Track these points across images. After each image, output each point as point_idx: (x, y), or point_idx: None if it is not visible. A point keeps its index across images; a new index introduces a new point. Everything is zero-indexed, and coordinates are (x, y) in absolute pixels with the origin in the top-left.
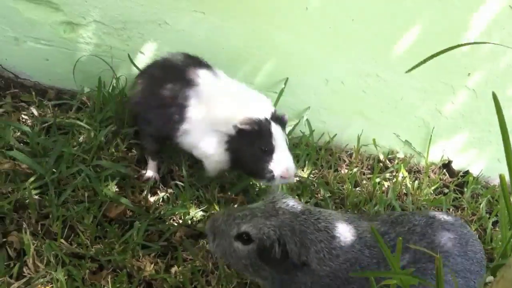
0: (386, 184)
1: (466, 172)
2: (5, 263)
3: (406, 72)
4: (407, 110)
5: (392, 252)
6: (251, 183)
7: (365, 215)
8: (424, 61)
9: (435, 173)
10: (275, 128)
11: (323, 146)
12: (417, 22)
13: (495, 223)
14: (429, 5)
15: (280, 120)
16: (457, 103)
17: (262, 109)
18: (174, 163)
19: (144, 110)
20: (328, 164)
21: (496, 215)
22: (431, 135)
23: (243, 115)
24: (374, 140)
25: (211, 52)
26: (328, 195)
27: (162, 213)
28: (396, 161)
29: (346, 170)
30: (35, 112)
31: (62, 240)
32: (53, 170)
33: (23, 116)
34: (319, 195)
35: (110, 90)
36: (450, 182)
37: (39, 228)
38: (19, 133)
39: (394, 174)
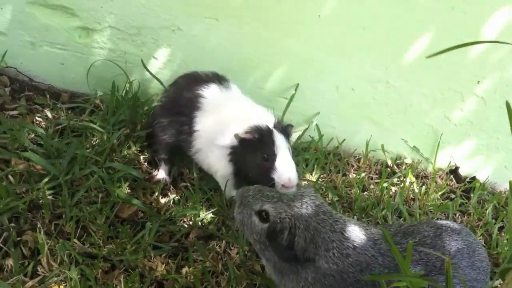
0: (393, 189)
1: (473, 178)
2: (20, 262)
3: (427, 57)
4: (416, 117)
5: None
6: None
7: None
8: (448, 49)
9: (442, 179)
10: (277, 137)
11: (332, 151)
12: (428, 30)
13: (500, 229)
14: (440, 13)
15: (284, 129)
16: (465, 110)
17: (264, 121)
18: (184, 166)
19: (161, 115)
20: (337, 168)
21: (502, 221)
22: (439, 142)
23: (245, 126)
24: (382, 145)
25: (223, 58)
26: (336, 199)
27: (173, 214)
28: (404, 166)
29: (354, 175)
30: (49, 115)
31: (75, 240)
32: (67, 171)
33: (37, 118)
34: (327, 199)
35: (123, 94)
36: (457, 187)
37: (52, 228)
38: (33, 135)
39: (401, 179)
